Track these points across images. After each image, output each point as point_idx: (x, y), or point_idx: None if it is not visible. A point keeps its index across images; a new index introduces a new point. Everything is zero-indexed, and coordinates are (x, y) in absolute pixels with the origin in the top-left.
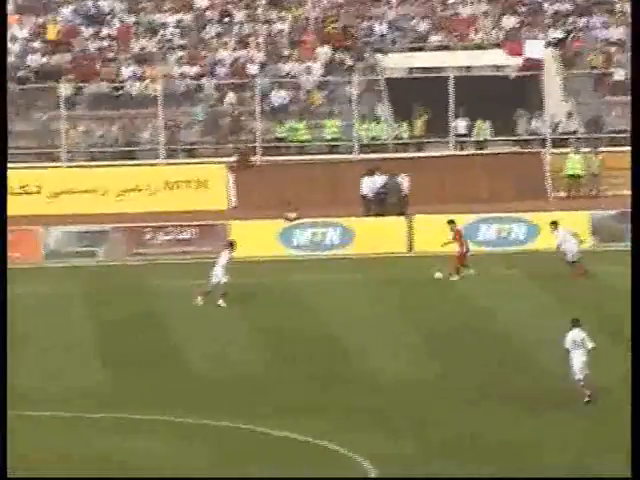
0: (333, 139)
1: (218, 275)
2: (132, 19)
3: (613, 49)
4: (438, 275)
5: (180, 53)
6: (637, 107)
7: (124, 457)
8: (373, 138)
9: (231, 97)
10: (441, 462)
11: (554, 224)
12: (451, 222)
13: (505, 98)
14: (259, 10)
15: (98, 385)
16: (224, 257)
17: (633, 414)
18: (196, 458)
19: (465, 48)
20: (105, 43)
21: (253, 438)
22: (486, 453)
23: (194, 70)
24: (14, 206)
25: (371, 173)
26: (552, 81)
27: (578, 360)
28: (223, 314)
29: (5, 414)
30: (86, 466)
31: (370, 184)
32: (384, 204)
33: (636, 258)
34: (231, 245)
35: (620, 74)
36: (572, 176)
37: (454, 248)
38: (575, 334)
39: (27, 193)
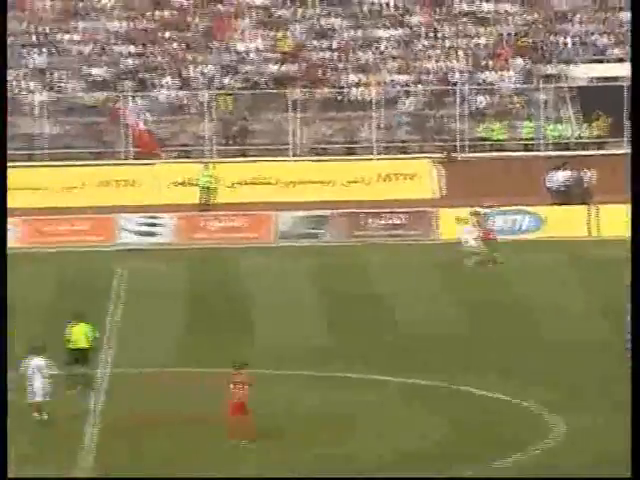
0: (527, 138)
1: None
2: (353, 34)
3: None
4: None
5: (393, 63)
6: (637, 107)
7: (351, 410)
8: (560, 137)
9: (436, 101)
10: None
11: None
12: (475, 213)
13: None
14: (461, 26)
15: (323, 346)
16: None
17: (633, 414)
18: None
19: None
20: (330, 54)
21: (456, 396)
22: None
23: (405, 78)
24: (253, 194)
25: (558, 168)
26: None
27: None
28: (431, 286)
29: (5, 414)
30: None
31: (557, 177)
32: (569, 195)
33: (636, 257)
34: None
35: None
36: None
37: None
38: None
39: (263, 183)
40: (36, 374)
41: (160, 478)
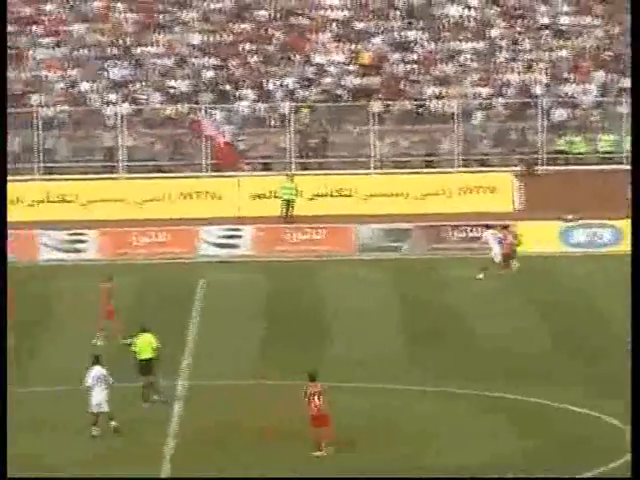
0: (606, 152)
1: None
2: (433, 46)
3: None
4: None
5: (474, 76)
6: (637, 107)
7: (428, 423)
8: None
9: (517, 114)
10: None
11: None
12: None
13: None
14: (543, 39)
15: (402, 359)
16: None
17: (633, 414)
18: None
19: None
20: (410, 67)
21: (523, 407)
22: None
23: (486, 91)
24: (332, 206)
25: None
26: None
27: None
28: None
29: (5, 414)
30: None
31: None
32: None
33: (636, 259)
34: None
35: None
36: None
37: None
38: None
39: (342, 196)
40: (96, 384)
41: (170, 478)
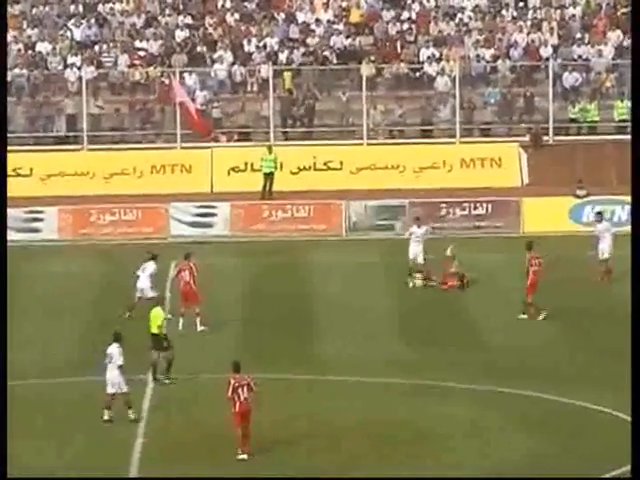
0: (622, 120)
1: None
2: (432, 3)
3: None
4: None
5: (477, 36)
6: (637, 105)
7: (426, 423)
8: None
9: (524, 79)
10: None
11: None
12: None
13: None
14: None
15: (395, 352)
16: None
17: (633, 414)
18: (489, 423)
19: None
20: (405, 26)
21: (539, 405)
22: None
23: (490, 52)
24: (318, 181)
25: None
26: None
27: None
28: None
29: (5, 414)
30: (385, 431)
31: None
32: None
33: (636, 254)
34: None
35: None
36: None
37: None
38: None
39: (329, 169)
40: (109, 362)
41: (163, 478)
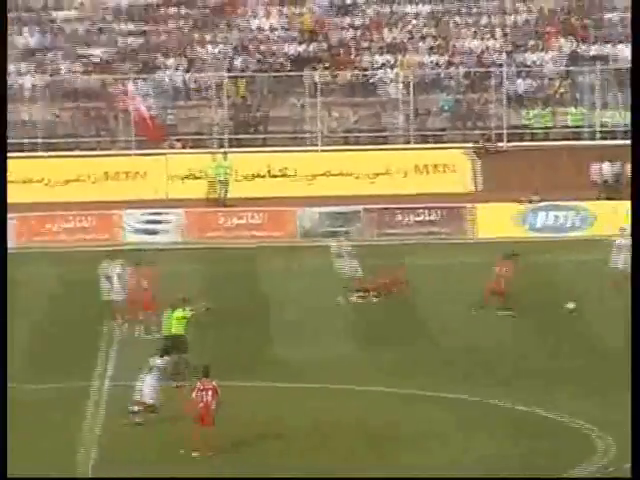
0: (576, 126)
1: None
2: (385, 10)
3: None
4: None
5: (430, 42)
6: (637, 105)
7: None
8: (611, 125)
9: (478, 85)
10: None
11: None
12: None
13: None
14: (506, 1)
15: (349, 357)
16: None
17: (633, 414)
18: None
19: None
20: (359, 32)
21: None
22: None
23: (443, 59)
24: (271, 187)
25: (604, 160)
26: None
27: None
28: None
29: (5, 414)
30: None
31: (603, 170)
32: (618, 189)
33: (636, 254)
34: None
35: None
36: None
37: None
38: None
39: (283, 176)
40: (149, 374)
41: (167, 478)
